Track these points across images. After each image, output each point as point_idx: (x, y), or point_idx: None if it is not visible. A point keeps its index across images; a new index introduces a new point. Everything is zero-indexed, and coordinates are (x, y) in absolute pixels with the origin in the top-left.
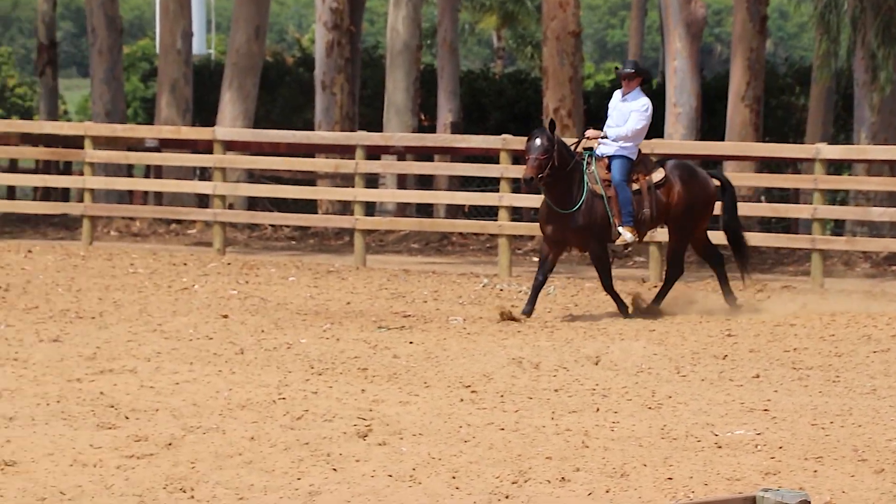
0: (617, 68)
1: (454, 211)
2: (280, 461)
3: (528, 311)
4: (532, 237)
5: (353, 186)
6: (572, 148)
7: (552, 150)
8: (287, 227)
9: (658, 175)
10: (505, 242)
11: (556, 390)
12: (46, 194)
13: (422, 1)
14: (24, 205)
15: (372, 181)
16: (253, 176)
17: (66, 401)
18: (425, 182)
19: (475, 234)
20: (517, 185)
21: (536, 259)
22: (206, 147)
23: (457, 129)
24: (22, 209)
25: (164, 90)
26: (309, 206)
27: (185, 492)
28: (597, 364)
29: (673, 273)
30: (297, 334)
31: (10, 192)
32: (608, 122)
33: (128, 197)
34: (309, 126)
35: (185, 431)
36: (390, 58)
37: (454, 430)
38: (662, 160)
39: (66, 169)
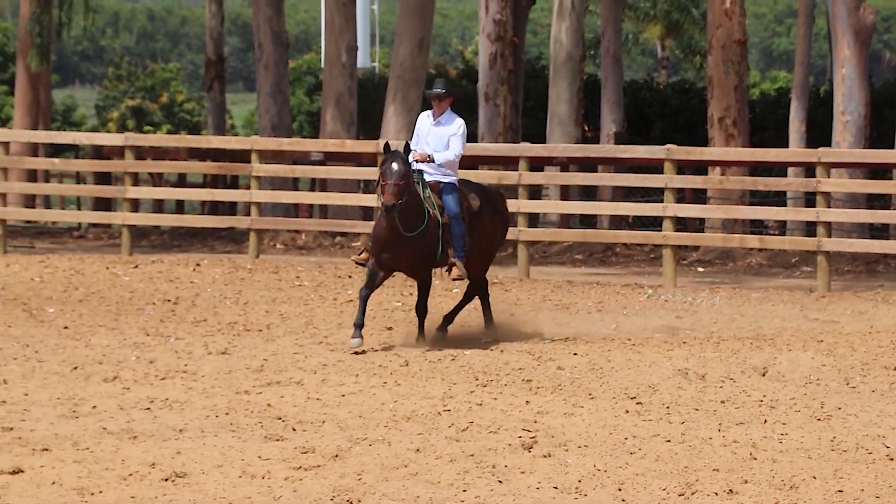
0: (427, 89)
1: (618, 222)
2: (445, 473)
3: (359, 324)
4: (697, 247)
5: (516, 198)
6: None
7: (410, 175)
8: None
9: (475, 202)
10: (669, 253)
11: (722, 402)
12: (214, 208)
13: (585, 11)
14: (192, 219)
15: (535, 192)
16: None
17: (234, 413)
18: (589, 193)
19: (639, 244)
20: (681, 196)
21: (702, 269)
22: (370, 160)
23: (620, 139)
24: (190, 223)
25: (329, 104)
26: None
27: (351, 503)
28: (764, 375)
29: (485, 294)
30: (462, 346)
31: (179, 207)
32: (422, 145)
33: (293, 210)
34: (472, 138)
35: (351, 443)
36: (553, 69)
37: (619, 441)
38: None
39: (233, 183)
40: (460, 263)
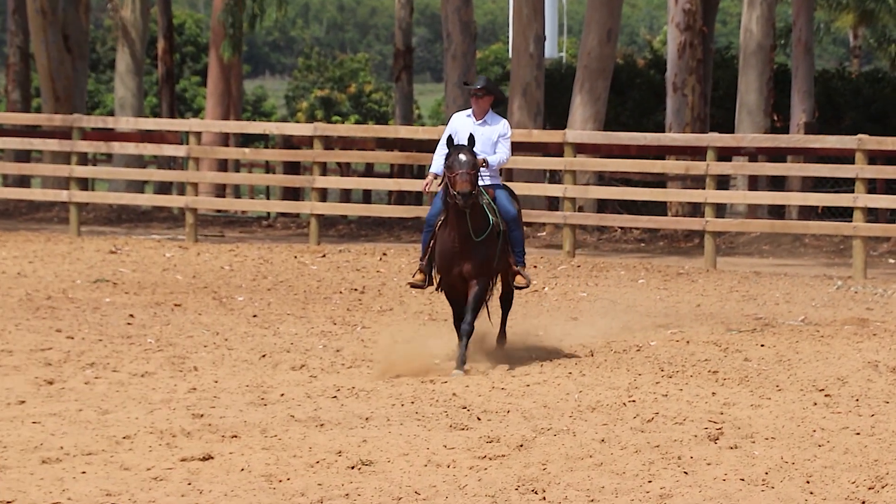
0: (466, 83)
1: (807, 212)
2: (631, 463)
3: (461, 365)
4: (888, 238)
5: (703, 188)
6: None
7: (478, 167)
8: (636, 229)
9: (517, 206)
10: (860, 244)
11: None
12: (401, 198)
13: (776, 1)
14: (379, 208)
15: (723, 183)
16: (602, 178)
17: (419, 402)
18: (777, 183)
19: (828, 235)
20: (873, 186)
21: (893, 261)
22: (556, 150)
23: (811, 129)
24: (377, 213)
25: (516, 93)
26: (658, 209)
27: (536, 493)
28: None
29: (510, 304)
30: (647, 337)
31: (366, 196)
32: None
33: None
34: (659, 128)
35: (536, 433)
36: (743, 58)
37: (807, 434)
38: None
39: (420, 173)
40: (524, 271)
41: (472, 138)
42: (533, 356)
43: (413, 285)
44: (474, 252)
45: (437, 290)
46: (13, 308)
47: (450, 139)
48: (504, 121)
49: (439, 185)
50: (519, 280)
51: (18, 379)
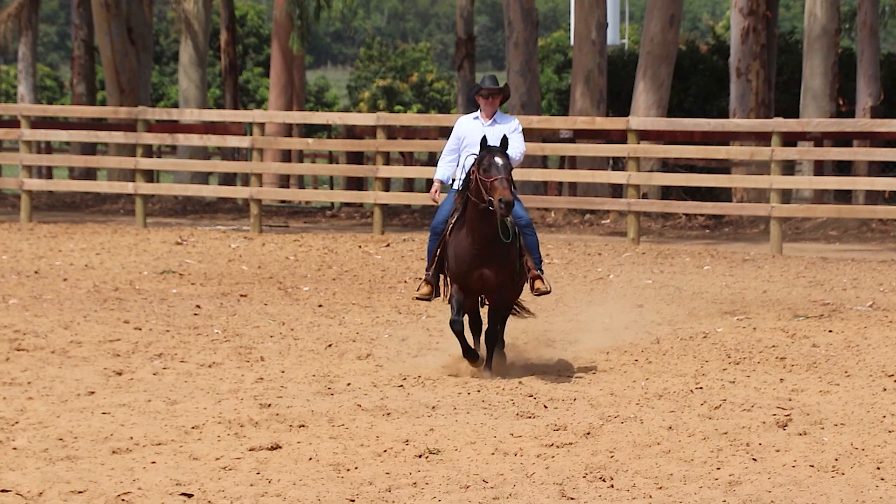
0: (476, 84)
1: (874, 197)
2: (699, 450)
3: (475, 357)
4: None
5: (768, 174)
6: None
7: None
8: (701, 215)
9: None
10: None
11: None
12: None
13: None
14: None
15: (788, 168)
16: (666, 165)
17: (486, 390)
18: (843, 168)
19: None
20: None
21: None
22: (619, 137)
23: (876, 113)
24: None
25: (579, 81)
26: (723, 195)
27: (604, 480)
28: None
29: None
30: (713, 323)
31: (429, 185)
32: (475, 149)
33: (542, 188)
34: (723, 114)
35: (602, 421)
36: (807, 42)
37: (877, 420)
38: None
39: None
40: (544, 276)
41: (505, 139)
42: (599, 344)
43: (419, 299)
44: (498, 255)
45: (447, 301)
46: (81, 300)
47: (483, 139)
48: (514, 118)
49: (456, 190)
50: (539, 285)
51: (88, 370)
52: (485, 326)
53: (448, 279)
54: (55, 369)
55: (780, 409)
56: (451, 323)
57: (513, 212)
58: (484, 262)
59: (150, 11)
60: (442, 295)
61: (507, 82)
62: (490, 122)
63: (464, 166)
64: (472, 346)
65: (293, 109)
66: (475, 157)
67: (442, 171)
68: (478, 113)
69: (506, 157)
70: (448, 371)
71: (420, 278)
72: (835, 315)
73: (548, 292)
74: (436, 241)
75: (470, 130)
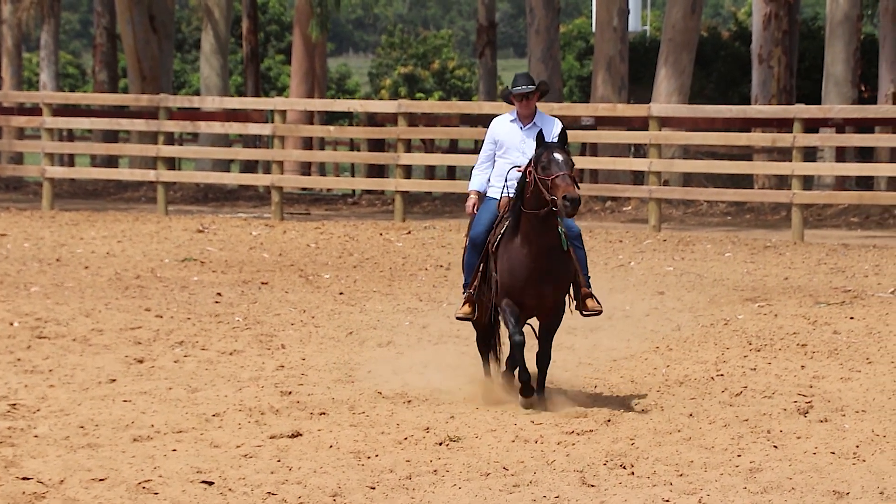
0: (506, 88)
1: None
2: (719, 438)
3: (528, 378)
4: None
5: (790, 160)
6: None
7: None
8: (722, 202)
9: None
10: None
11: None
12: None
13: None
14: (464, 185)
15: (810, 154)
16: (688, 152)
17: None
18: (865, 154)
19: None
20: None
21: None
22: (641, 124)
23: None
24: (462, 189)
25: (600, 68)
26: (745, 181)
27: (625, 468)
28: None
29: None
30: (734, 310)
31: (451, 173)
32: (515, 156)
33: None
34: (744, 100)
35: (623, 408)
36: (829, 29)
37: None
38: None
39: None
40: (594, 295)
41: (563, 133)
42: (619, 331)
43: (461, 318)
44: (557, 269)
45: (489, 321)
46: (103, 287)
47: (540, 134)
48: (555, 119)
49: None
50: (592, 304)
51: (109, 357)
52: (501, 345)
53: (489, 295)
54: (76, 357)
55: (801, 395)
56: (512, 338)
57: (564, 221)
58: (542, 277)
59: None
60: (477, 313)
61: (529, 70)
62: (529, 124)
63: (506, 179)
64: (525, 366)
65: (314, 97)
66: (517, 168)
67: (478, 181)
68: (514, 113)
69: (566, 152)
70: (476, 402)
71: (463, 296)
72: (856, 302)
73: (599, 312)
74: (476, 254)
75: (506, 135)
